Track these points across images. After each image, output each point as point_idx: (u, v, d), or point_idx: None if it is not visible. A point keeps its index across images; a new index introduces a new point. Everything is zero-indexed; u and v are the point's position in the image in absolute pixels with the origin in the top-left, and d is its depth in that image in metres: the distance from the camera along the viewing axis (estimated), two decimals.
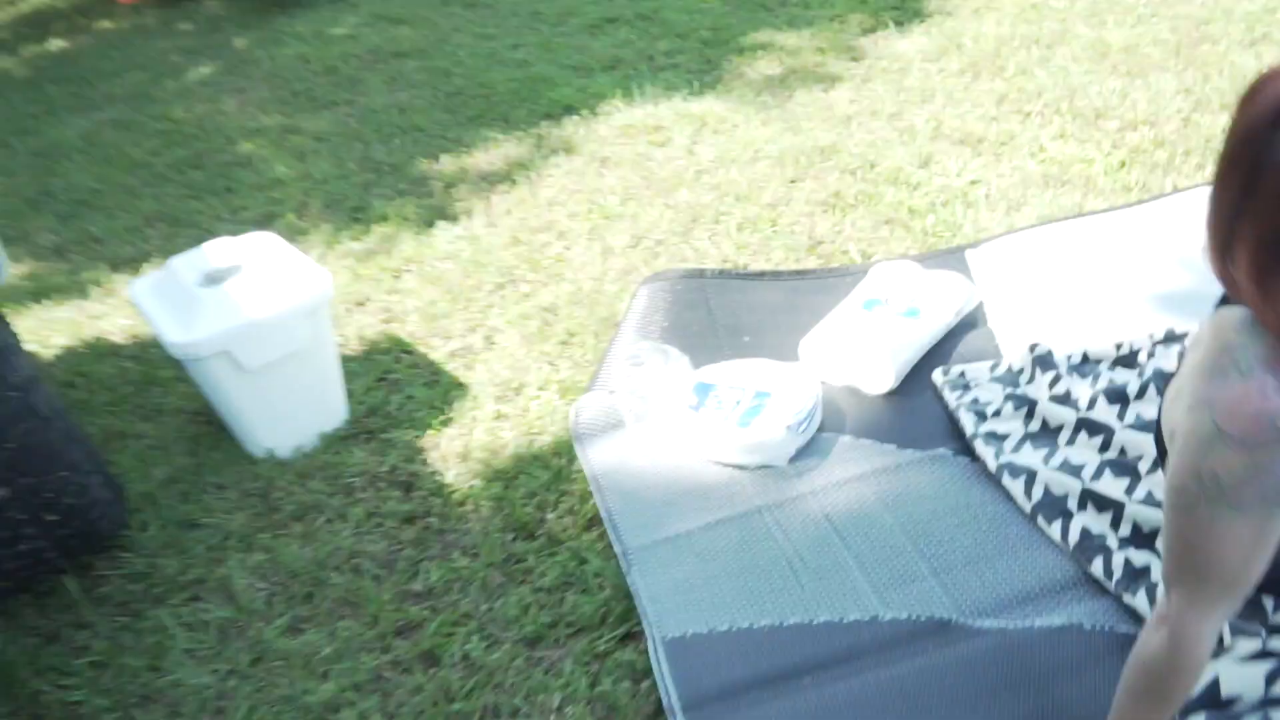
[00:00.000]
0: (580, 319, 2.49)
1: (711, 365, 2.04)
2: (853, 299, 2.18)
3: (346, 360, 2.51)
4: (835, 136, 3.22)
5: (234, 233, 3.42)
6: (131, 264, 3.32)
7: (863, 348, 2.00)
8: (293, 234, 3.28)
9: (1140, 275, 2.17)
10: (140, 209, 3.74)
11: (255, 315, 2.05)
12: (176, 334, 2.03)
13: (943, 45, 3.78)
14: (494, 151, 3.62)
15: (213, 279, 2.17)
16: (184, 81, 5.29)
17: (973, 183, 2.82)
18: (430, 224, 3.17)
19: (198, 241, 3.45)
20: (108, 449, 2.38)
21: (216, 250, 2.30)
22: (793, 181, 2.99)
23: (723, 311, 2.26)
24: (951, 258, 2.39)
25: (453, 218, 3.19)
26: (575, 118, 3.74)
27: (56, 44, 6.64)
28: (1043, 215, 2.56)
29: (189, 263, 2.24)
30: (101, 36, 6.65)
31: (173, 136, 4.45)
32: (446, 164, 3.59)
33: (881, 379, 1.99)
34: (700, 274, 2.36)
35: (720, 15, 4.61)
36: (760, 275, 2.40)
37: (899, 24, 4.05)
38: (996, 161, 2.92)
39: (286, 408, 2.19)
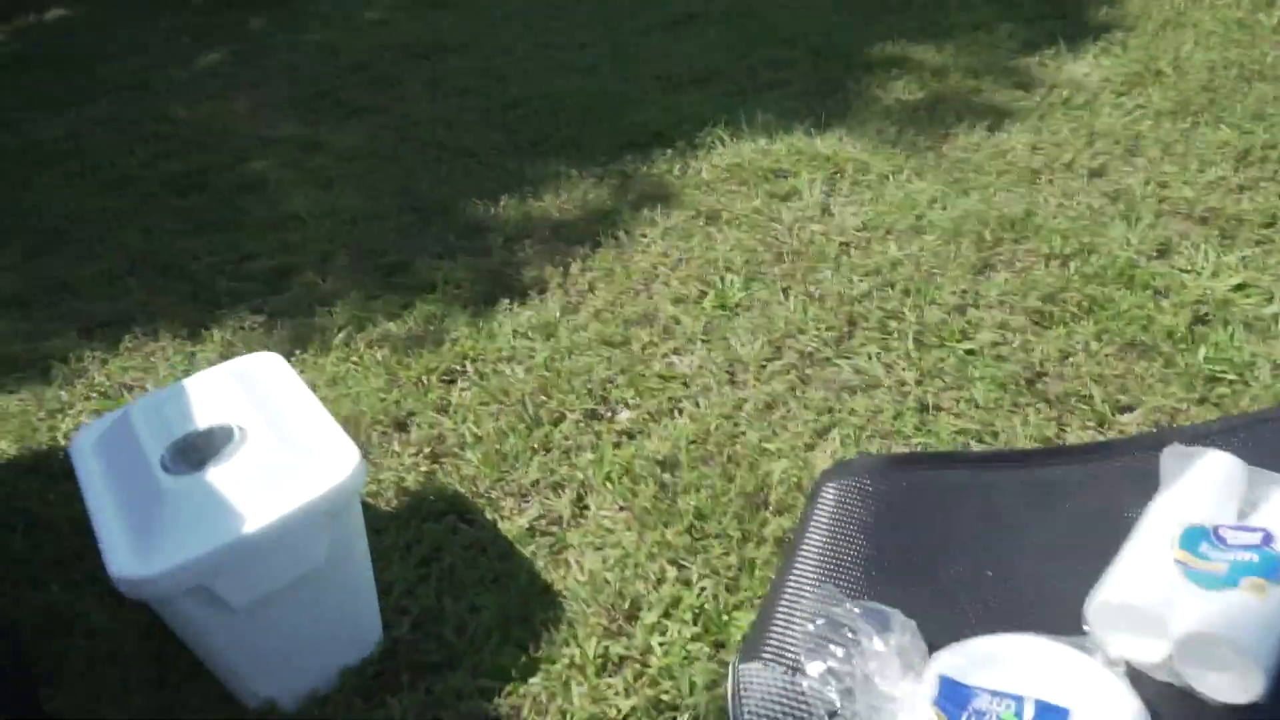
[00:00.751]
0: (713, 488, 1.76)
1: (957, 646, 1.30)
2: (1155, 523, 1.43)
3: (379, 522, 1.79)
4: (1024, 201, 2.46)
5: (235, 292, 2.70)
6: (106, 330, 2.59)
7: (1205, 633, 1.25)
8: (312, 302, 2.55)
9: None
10: (124, 245, 3.01)
11: (249, 529, 1.33)
12: (126, 560, 1.31)
13: (1134, 72, 2.99)
14: (567, 193, 2.86)
15: (187, 455, 1.44)
16: (190, 70, 4.55)
17: (1240, 288, 2.06)
18: (490, 300, 2.43)
19: (190, 301, 2.74)
20: (39, 645, 1.67)
21: (196, 393, 1.57)
22: (980, 271, 2.23)
23: (947, 524, 1.51)
24: (1268, 431, 1.64)
25: (520, 292, 2.45)
26: (668, 150, 2.98)
27: (55, 13, 5.91)
28: None
29: (155, 416, 1.52)
30: (105, 5, 5.91)
31: (171, 143, 3.72)
32: (507, 208, 2.84)
33: (1241, 685, 1.25)
34: (914, 462, 1.61)
35: (830, 16, 3.83)
36: (994, 460, 1.65)
37: (1068, 39, 3.26)
38: (1264, 255, 2.16)
39: (293, 647, 1.47)
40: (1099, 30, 3.32)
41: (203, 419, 1.51)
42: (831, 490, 1.55)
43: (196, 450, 1.45)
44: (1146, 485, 1.55)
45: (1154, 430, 1.72)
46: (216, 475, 1.39)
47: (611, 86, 3.50)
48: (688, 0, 4.25)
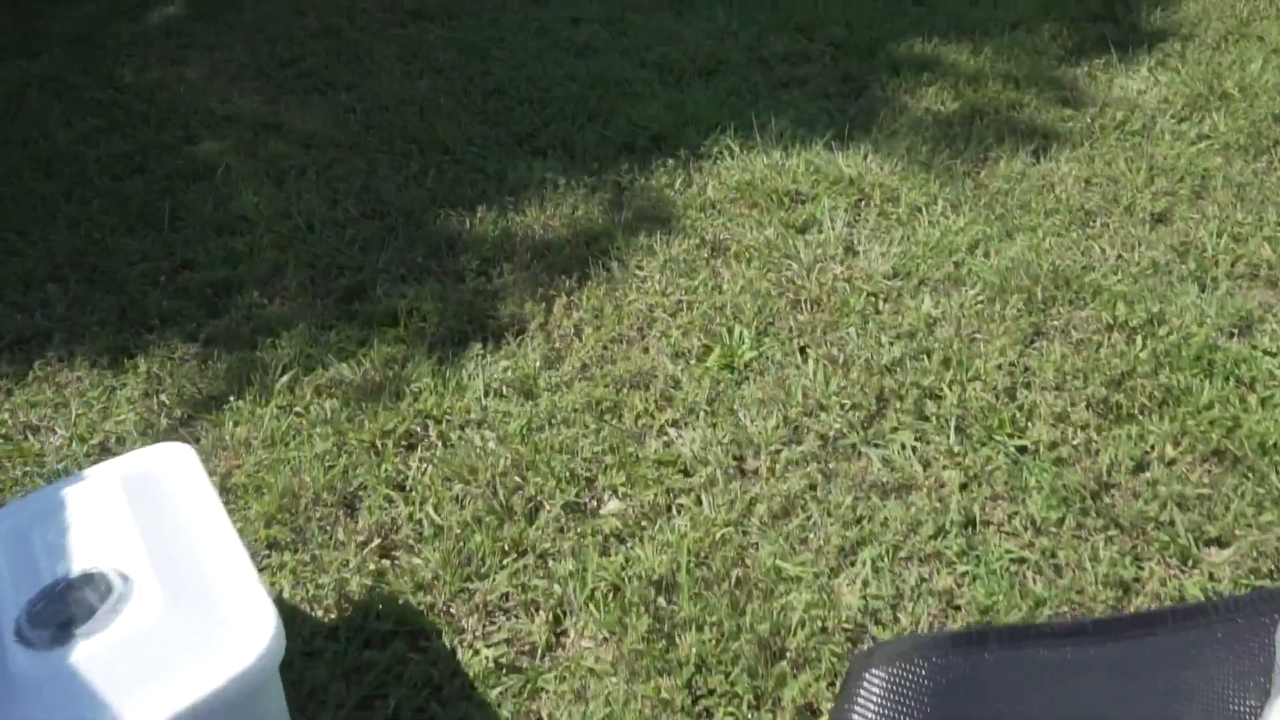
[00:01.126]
0: (718, 626, 1.45)
1: None
2: None
3: (314, 641, 1.48)
4: (1078, 251, 2.14)
5: (168, 311, 2.34)
6: (16, 349, 2.25)
7: None
8: (255, 329, 2.21)
9: None
10: (50, 241, 2.64)
11: None
12: None
13: (1196, 93, 2.66)
14: (553, 206, 2.52)
15: (53, 613, 1.12)
16: (143, 24, 4.12)
17: None
18: (460, 341, 2.11)
19: (117, 318, 2.37)
20: None
21: (76, 512, 1.24)
22: (1031, 340, 1.92)
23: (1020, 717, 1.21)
24: None
25: (494, 333, 2.12)
26: (669, 160, 2.64)
27: None
28: None
29: (20, 546, 1.19)
30: None
31: (114, 114, 3.33)
32: (485, 220, 2.50)
33: None
34: (979, 640, 1.31)
35: (850, 4, 3.45)
36: (1074, 635, 1.35)
37: (1120, 48, 2.92)
38: None
39: None
40: (1154, 37, 2.98)
41: (79, 555, 1.18)
42: (879, 677, 1.24)
43: (65, 607, 1.12)
44: (1256, 662, 1.26)
45: (1255, 588, 1.43)
46: (85, 652, 1.07)
47: (608, 73, 3.13)
48: None
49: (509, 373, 1.99)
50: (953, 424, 1.75)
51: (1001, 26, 3.16)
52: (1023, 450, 1.69)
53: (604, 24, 3.53)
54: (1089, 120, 2.61)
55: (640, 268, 2.25)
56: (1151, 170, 2.37)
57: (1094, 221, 2.23)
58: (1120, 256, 2.11)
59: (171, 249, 2.56)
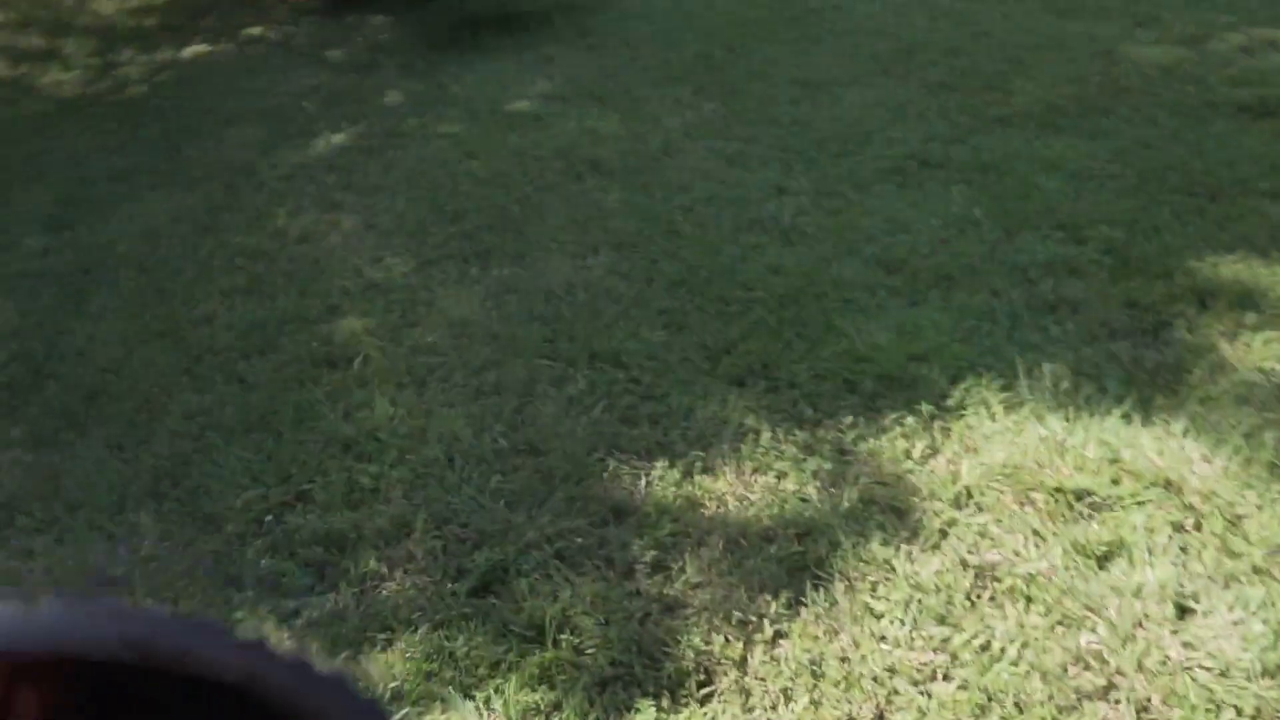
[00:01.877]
0: None
1: None
2: None
3: None
4: None
5: (264, 574, 1.88)
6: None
7: None
8: (364, 623, 1.71)
9: None
10: (148, 444, 2.26)
11: None
12: None
13: None
14: (754, 470, 1.94)
15: None
16: (305, 154, 3.83)
17: None
18: (626, 687, 1.54)
19: (205, 570, 1.91)
20: None
21: None
22: None
23: None
24: None
25: (672, 679, 1.54)
26: (905, 414, 2.03)
27: (193, 50, 5.36)
28: None
29: None
30: (246, 48, 5.35)
31: (257, 270, 2.97)
32: (664, 480, 1.94)
33: None
34: None
35: (1124, 196, 2.79)
36: None
37: None
38: None
39: None
40: None
41: None
42: None
43: None
44: None
45: None
46: None
47: (821, 269, 2.57)
48: (917, 140, 3.28)
49: None
50: None
51: None
52: None
53: (813, 198, 2.98)
54: None
55: (874, 595, 1.65)
56: None
57: None
58: None
59: (282, 472, 2.11)
